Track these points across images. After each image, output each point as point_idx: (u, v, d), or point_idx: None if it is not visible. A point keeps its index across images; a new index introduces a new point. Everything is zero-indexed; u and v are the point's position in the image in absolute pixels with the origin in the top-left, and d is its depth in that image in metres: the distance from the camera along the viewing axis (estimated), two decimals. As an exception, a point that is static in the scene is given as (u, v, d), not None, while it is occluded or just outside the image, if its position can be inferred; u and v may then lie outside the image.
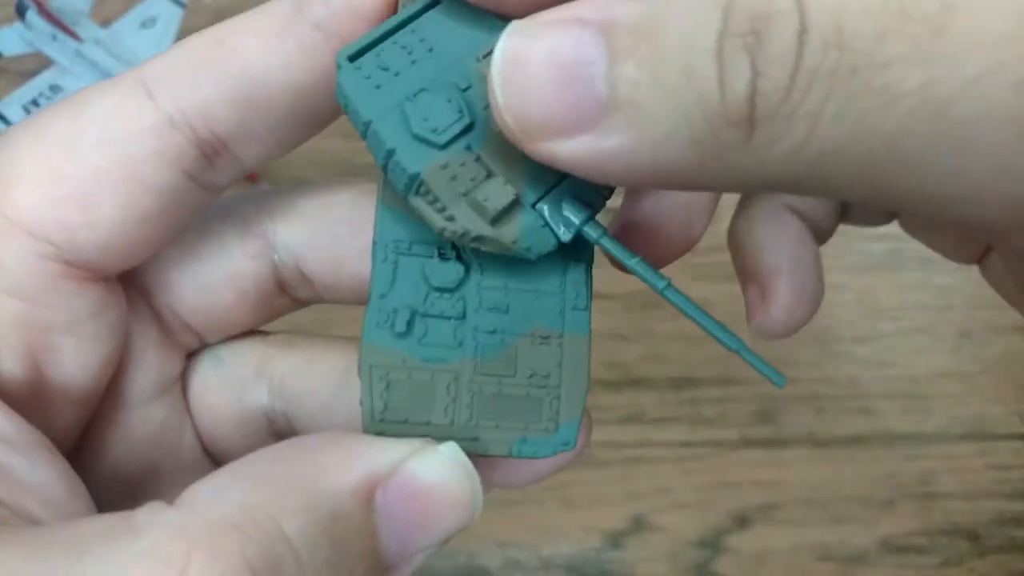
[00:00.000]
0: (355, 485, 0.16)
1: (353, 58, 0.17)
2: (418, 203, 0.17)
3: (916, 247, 0.56)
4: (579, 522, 0.48)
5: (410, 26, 0.18)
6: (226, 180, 0.20)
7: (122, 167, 0.18)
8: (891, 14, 0.13)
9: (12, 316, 0.19)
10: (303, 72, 0.19)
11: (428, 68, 0.17)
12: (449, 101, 0.17)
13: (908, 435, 0.51)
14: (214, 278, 0.22)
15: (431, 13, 0.18)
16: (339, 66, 0.17)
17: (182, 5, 0.57)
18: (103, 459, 0.22)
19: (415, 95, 0.17)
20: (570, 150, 0.15)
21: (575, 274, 0.19)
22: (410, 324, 0.18)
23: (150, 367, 0.22)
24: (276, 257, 0.22)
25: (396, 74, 0.17)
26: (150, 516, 0.15)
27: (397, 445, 0.17)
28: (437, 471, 0.17)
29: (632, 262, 0.18)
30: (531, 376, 0.18)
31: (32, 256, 0.19)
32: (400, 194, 0.17)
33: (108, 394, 0.22)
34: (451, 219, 0.17)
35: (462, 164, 0.17)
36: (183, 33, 0.57)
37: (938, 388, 0.52)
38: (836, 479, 0.50)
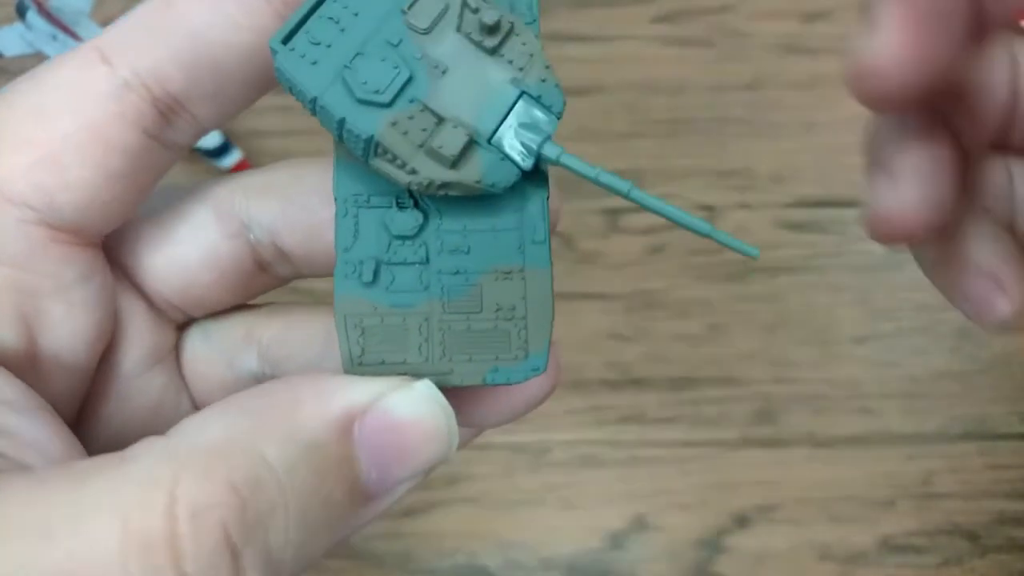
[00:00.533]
0: (333, 417, 0.17)
1: (285, 40, 0.18)
2: (379, 164, 0.18)
3: (916, 247, 0.56)
4: (579, 522, 0.48)
5: None
6: (187, 138, 0.21)
7: (87, 130, 0.19)
8: None
9: (3, 282, 0.20)
10: (247, 33, 0.20)
11: (358, 32, 0.18)
12: (383, 60, 0.18)
13: (908, 435, 0.51)
14: (191, 260, 0.23)
15: None
16: (274, 51, 0.18)
17: (182, 5, 0.57)
18: (102, 431, 0.23)
19: (351, 61, 0.17)
20: None
21: (531, 209, 0.19)
22: (376, 273, 0.19)
23: (142, 339, 0.23)
24: (252, 236, 0.23)
25: (328, 46, 0.18)
26: (142, 448, 0.16)
27: (374, 383, 0.18)
28: (412, 405, 0.18)
29: (594, 173, 0.19)
30: (497, 310, 0.19)
31: (15, 222, 0.19)
32: (360, 158, 0.18)
33: (103, 366, 0.23)
34: (413, 172, 0.17)
35: (410, 117, 0.17)
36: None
37: (938, 388, 0.52)
38: (836, 479, 0.50)
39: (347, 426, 0.17)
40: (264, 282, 0.24)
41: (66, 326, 0.21)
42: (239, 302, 0.25)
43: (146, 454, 0.16)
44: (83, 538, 0.15)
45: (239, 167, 0.53)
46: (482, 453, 0.49)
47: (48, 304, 0.20)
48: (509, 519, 0.47)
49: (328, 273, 0.23)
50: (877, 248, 0.55)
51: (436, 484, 0.48)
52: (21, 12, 0.55)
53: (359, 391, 0.18)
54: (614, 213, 0.53)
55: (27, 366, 0.20)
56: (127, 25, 0.20)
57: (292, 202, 0.23)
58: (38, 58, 0.55)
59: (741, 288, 0.53)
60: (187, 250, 0.23)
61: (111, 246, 0.22)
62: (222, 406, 0.17)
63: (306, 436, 0.17)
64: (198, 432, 0.16)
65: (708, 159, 0.57)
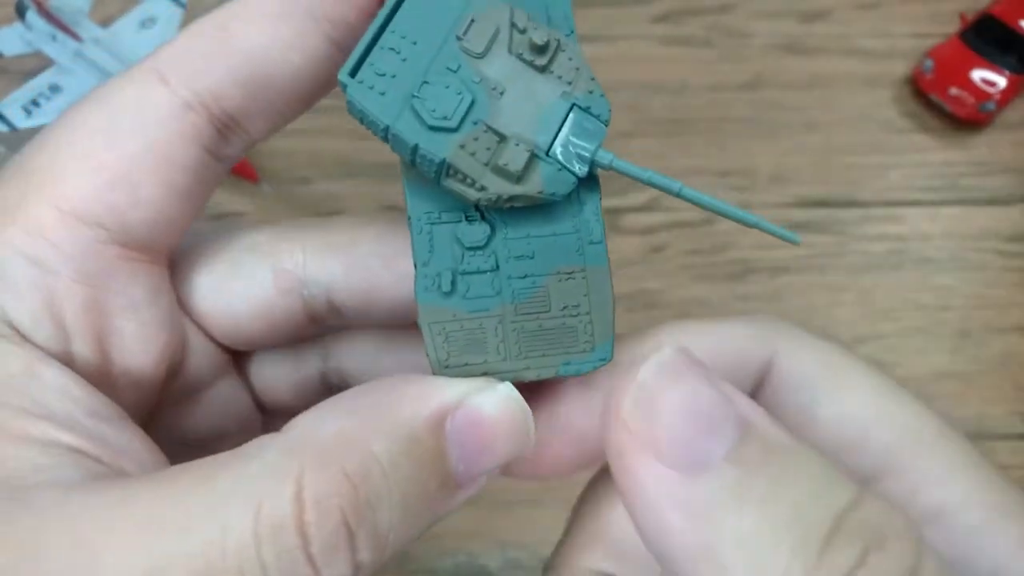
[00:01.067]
0: (429, 414, 0.19)
1: (353, 73, 0.19)
2: (451, 184, 0.19)
3: (916, 247, 0.56)
4: (579, 522, 0.48)
5: (390, 27, 0.19)
6: (239, 152, 0.22)
7: (154, 150, 0.21)
8: None
9: (82, 301, 0.21)
10: (299, 53, 0.21)
11: (419, 61, 0.19)
12: (447, 87, 0.19)
13: (908, 435, 0.51)
14: (243, 312, 0.24)
15: (404, 7, 0.19)
16: (344, 85, 0.19)
17: (182, 5, 0.57)
18: (171, 436, 0.24)
19: (419, 90, 0.19)
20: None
21: (587, 213, 0.21)
22: (453, 283, 0.20)
23: (206, 356, 0.24)
24: (306, 292, 0.24)
25: (393, 76, 0.19)
26: (258, 445, 0.18)
27: (462, 383, 0.19)
28: (495, 404, 0.19)
29: (646, 175, 0.20)
30: (563, 308, 0.20)
31: (90, 243, 0.21)
32: (431, 179, 0.19)
33: (170, 379, 0.24)
34: (483, 189, 0.19)
35: (476, 139, 0.19)
36: (183, 33, 0.57)
37: (938, 388, 0.52)
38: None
39: (440, 422, 0.19)
40: (314, 331, 0.25)
41: (137, 343, 0.22)
42: (288, 344, 0.26)
43: (267, 450, 0.17)
44: (219, 525, 0.16)
45: (240, 167, 0.53)
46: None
47: (121, 322, 0.21)
48: (509, 519, 0.47)
49: (381, 326, 0.25)
50: (877, 248, 0.55)
51: (436, 484, 0.48)
52: (21, 12, 0.55)
53: (450, 391, 0.19)
54: (614, 213, 0.53)
55: (102, 381, 0.21)
56: (182, 46, 0.21)
57: (353, 263, 0.24)
58: (38, 58, 0.55)
59: (741, 288, 0.53)
60: (240, 305, 0.24)
61: (173, 281, 0.23)
62: (331, 404, 0.19)
63: (406, 431, 0.18)
64: (313, 429, 0.18)
65: (708, 159, 0.57)
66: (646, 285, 0.53)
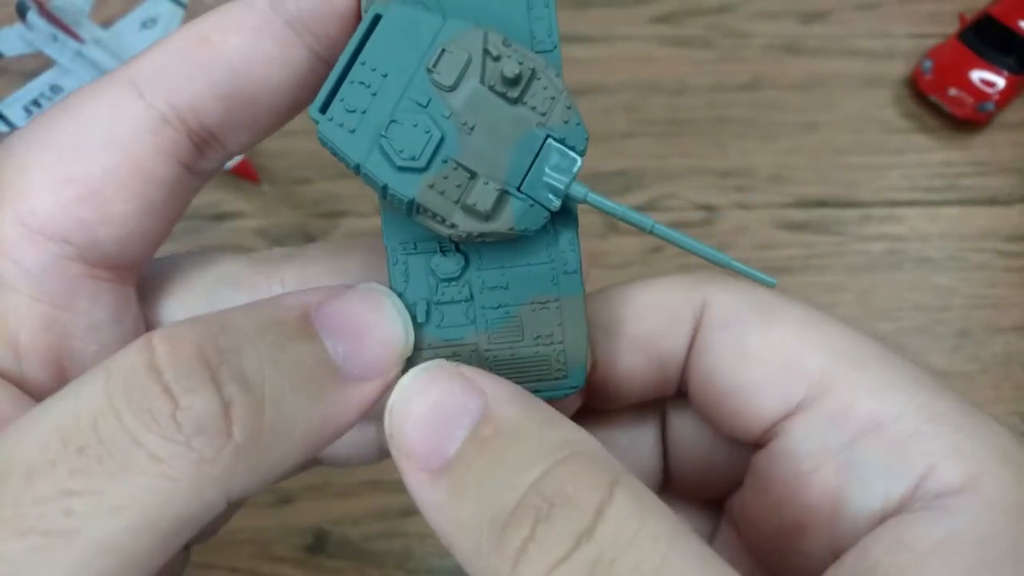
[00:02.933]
0: (288, 304, 0.18)
1: (323, 108, 0.19)
2: (421, 220, 0.19)
3: (916, 247, 0.56)
4: (579, 522, 0.48)
5: (360, 57, 0.19)
6: (216, 165, 0.22)
7: (127, 165, 0.20)
8: None
9: (39, 320, 0.20)
10: (280, 67, 0.20)
11: (388, 95, 0.19)
12: (415, 125, 0.19)
13: (907, 435, 0.51)
14: None
15: (373, 37, 0.19)
16: (315, 120, 0.19)
17: (183, 5, 0.57)
18: None
19: (387, 130, 0.18)
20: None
21: (562, 243, 0.21)
22: (428, 313, 0.20)
23: None
24: None
25: (363, 112, 0.19)
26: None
27: (321, 288, 0.19)
28: (356, 293, 0.19)
29: (619, 210, 0.20)
30: (537, 337, 0.20)
31: (54, 259, 0.20)
32: (403, 214, 0.19)
33: None
34: (453, 226, 0.19)
35: (445, 177, 0.19)
36: (183, 33, 0.57)
37: (937, 388, 0.52)
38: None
39: (303, 310, 0.18)
40: None
41: None
42: None
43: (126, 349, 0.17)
44: (72, 394, 0.16)
45: (240, 167, 0.53)
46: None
47: (81, 345, 0.20)
48: (509, 519, 0.47)
49: None
50: (877, 248, 0.55)
51: (436, 484, 0.48)
52: (21, 12, 0.55)
53: (311, 292, 0.19)
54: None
55: None
56: (159, 57, 0.20)
57: (321, 266, 0.23)
58: (38, 58, 0.55)
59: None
60: None
61: (140, 306, 0.22)
62: None
63: (266, 312, 0.18)
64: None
65: (708, 159, 0.57)
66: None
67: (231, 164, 0.53)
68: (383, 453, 0.26)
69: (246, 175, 0.53)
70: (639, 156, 0.56)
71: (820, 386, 0.21)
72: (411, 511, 0.48)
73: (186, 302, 0.23)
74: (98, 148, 0.20)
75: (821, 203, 0.56)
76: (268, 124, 0.21)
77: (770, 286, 0.20)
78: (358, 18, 0.20)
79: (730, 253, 0.20)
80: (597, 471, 0.17)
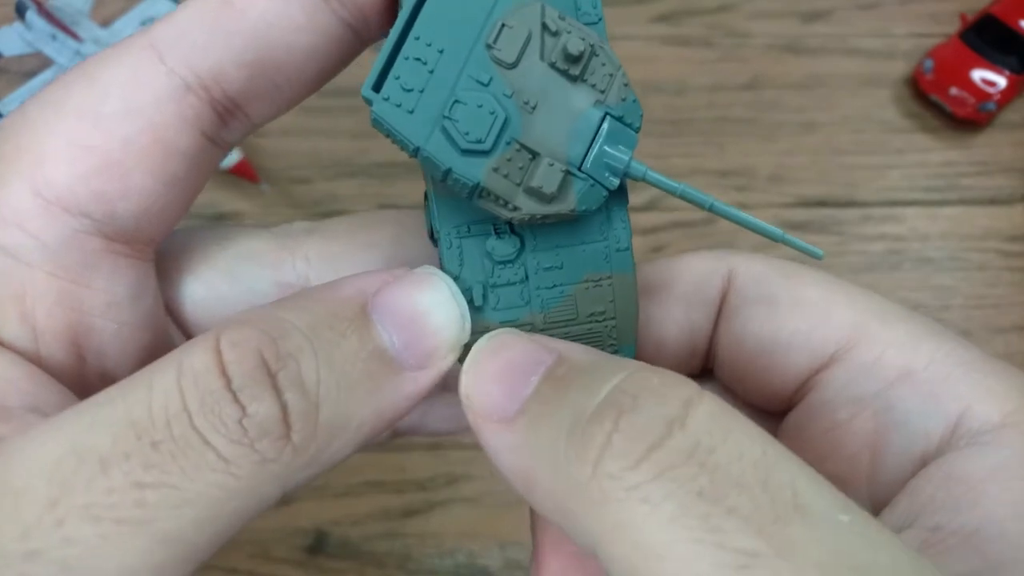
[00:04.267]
0: (344, 295, 0.18)
1: (376, 87, 0.18)
2: (482, 203, 0.19)
3: (916, 247, 0.56)
4: (579, 522, 0.48)
5: (412, 31, 0.18)
6: (238, 137, 0.21)
7: (147, 134, 0.19)
8: None
9: (56, 296, 0.19)
10: (307, 34, 0.19)
11: (447, 72, 0.18)
12: (480, 106, 0.18)
13: (908, 435, 0.51)
14: None
15: (425, 10, 0.18)
16: (369, 101, 0.18)
17: (182, 5, 0.57)
18: None
19: (450, 111, 0.18)
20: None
21: (614, 220, 0.20)
22: (485, 296, 0.20)
23: None
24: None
25: (421, 91, 0.18)
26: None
27: (382, 273, 0.19)
28: (413, 281, 0.19)
29: (679, 188, 0.20)
30: (590, 315, 0.20)
31: (71, 232, 0.19)
32: (462, 197, 0.19)
33: None
34: (516, 209, 0.19)
35: (509, 159, 0.18)
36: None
37: (938, 388, 0.52)
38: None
39: (360, 300, 0.18)
40: None
41: (116, 344, 0.20)
42: None
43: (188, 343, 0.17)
44: (143, 387, 0.16)
45: (239, 167, 0.53)
46: (482, 453, 0.49)
47: (100, 321, 0.20)
48: (509, 519, 0.47)
49: None
50: (877, 248, 0.55)
51: (436, 484, 0.48)
52: (21, 12, 0.55)
53: (368, 280, 0.19)
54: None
55: (75, 382, 0.20)
56: (182, 22, 0.19)
57: (350, 258, 0.23)
58: (38, 58, 0.55)
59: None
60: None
61: (159, 282, 0.22)
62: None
63: (322, 307, 0.18)
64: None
65: (708, 159, 0.57)
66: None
67: (230, 164, 0.53)
68: (395, 432, 0.26)
69: (246, 175, 0.53)
70: (639, 156, 0.56)
71: (850, 339, 0.21)
72: (411, 511, 0.48)
73: (207, 279, 0.22)
74: (118, 116, 0.19)
75: (821, 203, 0.56)
76: (292, 94, 0.20)
77: (818, 257, 0.20)
78: None
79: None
80: (678, 377, 0.16)
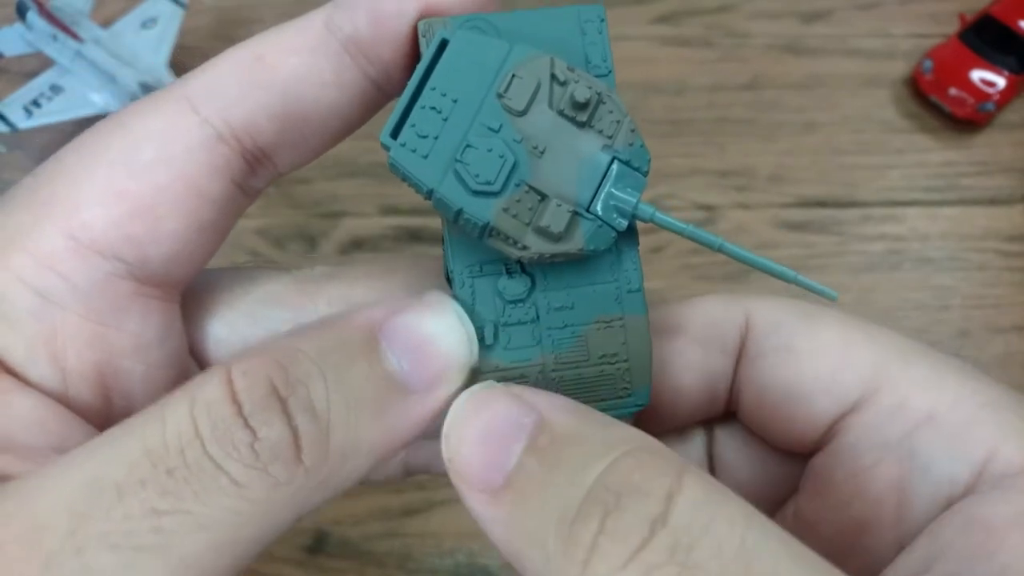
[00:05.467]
0: (355, 324, 0.19)
1: (394, 134, 0.19)
2: (492, 242, 0.19)
3: (916, 247, 0.56)
4: (579, 522, 0.48)
5: (429, 83, 0.19)
6: (265, 184, 0.22)
7: (180, 181, 0.20)
8: None
9: (87, 338, 0.20)
10: (334, 89, 0.20)
11: (460, 120, 0.19)
12: (490, 150, 0.19)
13: (907, 435, 0.51)
14: None
15: (441, 63, 0.19)
16: (387, 147, 0.19)
17: (182, 5, 0.57)
18: None
19: (462, 155, 0.19)
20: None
21: (625, 262, 0.21)
22: (496, 335, 0.20)
23: None
24: None
25: (436, 138, 0.19)
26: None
27: (388, 302, 0.19)
28: (423, 307, 0.19)
29: (688, 229, 0.20)
30: (602, 357, 0.21)
31: (104, 275, 0.20)
32: (473, 236, 0.19)
33: None
34: (524, 248, 0.19)
35: (518, 200, 0.19)
36: (183, 33, 0.57)
37: (937, 388, 0.52)
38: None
39: (369, 327, 0.19)
40: None
41: (142, 386, 0.21)
42: None
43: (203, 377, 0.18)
44: (157, 420, 0.17)
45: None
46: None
47: (127, 364, 0.20)
48: (509, 519, 0.47)
49: None
50: (877, 248, 0.55)
51: (436, 484, 0.48)
52: (21, 12, 0.55)
53: (377, 308, 0.19)
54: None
55: (102, 423, 0.20)
56: (216, 75, 0.20)
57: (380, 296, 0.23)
58: (38, 58, 0.55)
59: (741, 288, 0.53)
60: None
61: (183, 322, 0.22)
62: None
63: (333, 334, 0.19)
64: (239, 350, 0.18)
65: (708, 159, 0.57)
66: (646, 285, 0.53)
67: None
68: (407, 471, 0.26)
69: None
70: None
71: (873, 383, 0.21)
72: (411, 511, 0.48)
73: (230, 321, 0.23)
74: (151, 164, 0.19)
75: (821, 203, 0.56)
76: (318, 145, 0.21)
77: (832, 299, 0.20)
78: (414, 43, 0.20)
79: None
80: (662, 461, 0.17)
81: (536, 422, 0.18)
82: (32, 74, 0.55)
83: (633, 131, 0.20)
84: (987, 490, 0.19)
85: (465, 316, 0.20)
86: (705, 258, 0.54)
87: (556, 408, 0.18)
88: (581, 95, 0.19)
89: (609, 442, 0.17)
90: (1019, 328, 0.53)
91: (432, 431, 0.25)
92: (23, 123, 0.53)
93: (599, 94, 0.19)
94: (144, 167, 0.19)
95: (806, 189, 0.57)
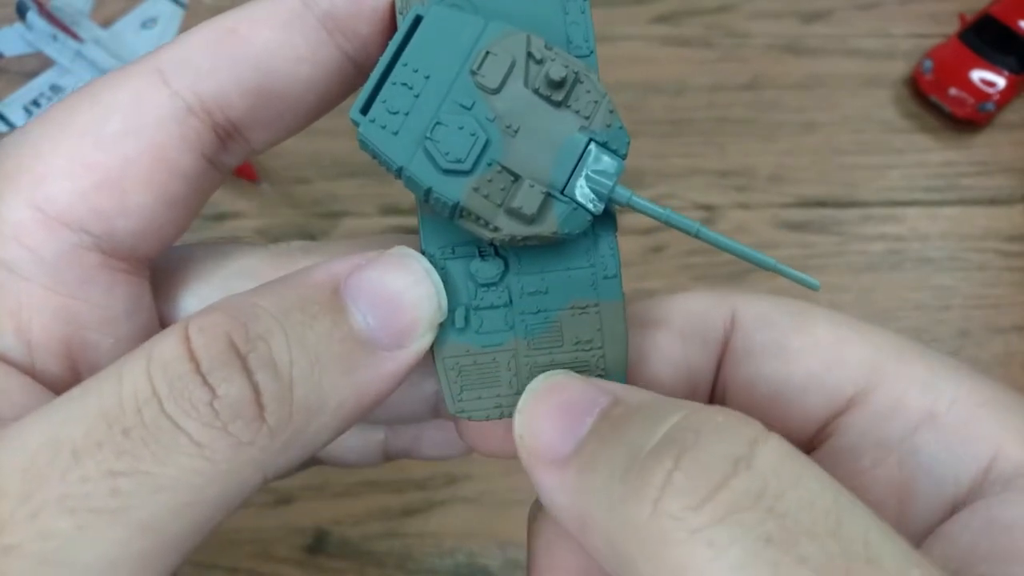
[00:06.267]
0: (316, 280, 0.18)
1: (364, 110, 0.18)
2: (463, 223, 0.19)
3: (916, 247, 0.56)
4: (579, 522, 0.48)
5: (401, 59, 0.19)
6: (237, 161, 0.21)
7: (149, 154, 0.19)
8: None
9: (53, 311, 0.19)
10: (309, 65, 0.20)
11: (431, 97, 0.19)
12: (461, 128, 0.18)
13: (907, 435, 0.51)
14: None
15: (415, 39, 0.19)
16: (356, 123, 0.18)
17: (182, 5, 0.57)
18: None
19: (432, 131, 0.18)
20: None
21: (602, 247, 0.20)
22: (467, 319, 0.20)
23: None
24: None
25: (406, 114, 0.18)
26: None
27: (351, 258, 0.19)
28: (387, 261, 0.19)
29: (664, 214, 0.20)
30: (576, 343, 0.20)
31: (70, 247, 0.19)
32: (445, 217, 0.19)
33: None
34: (496, 229, 0.19)
35: (490, 180, 0.19)
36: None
37: (937, 388, 0.52)
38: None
39: (332, 284, 0.18)
40: None
41: (110, 360, 0.20)
42: None
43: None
44: (114, 378, 0.16)
45: (241, 168, 0.53)
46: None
47: (95, 337, 0.20)
48: (509, 519, 0.47)
49: None
50: (877, 248, 0.55)
51: (436, 484, 0.48)
52: (21, 12, 0.55)
53: (340, 263, 0.19)
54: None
55: None
56: (187, 46, 0.20)
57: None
58: (38, 58, 0.55)
59: (741, 288, 0.53)
60: None
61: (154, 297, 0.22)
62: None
63: (293, 291, 0.18)
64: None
65: (708, 159, 0.57)
66: (646, 285, 0.53)
67: (231, 164, 0.53)
68: (387, 456, 0.26)
69: (245, 175, 0.53)
70: (639, 156, 0.56)
71: (868, 381, 0.20)
72: (411, 511, 0.48)
73: (204, 296, 0.22)
74: (119, 135, 0.19)
75: (821, 203, 0.56)
76: (293, 123, 0.21)
77: (814, 289, 0.20)
78: (392, 19, 0.20)
79: (730, 253, 0.20)
80: (743, 416, 0.16)
81: (611, 400, 0.18)
82: (32, 74, 0.55)
83: (612, 112, 0.19)
84: (999, 491, 0.18)
85: (432, 270, 0.19)
86: (705, 258, 0.54)
87: (632, 390, 0.18)
88: (556, 73, 0.18)
89: (685, 404, 0.17)
90: (1019, 328, 0.53)
91: (410, 416, 0.25)
92: (23, 123, 0.53)
93: (576, 73, 0.19)
94: (112, 138, 0.19)
95: (806, 189, 0.57)
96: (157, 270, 0.22)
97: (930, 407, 0.20)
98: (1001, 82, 0.57)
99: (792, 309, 0.22)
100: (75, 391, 0.17)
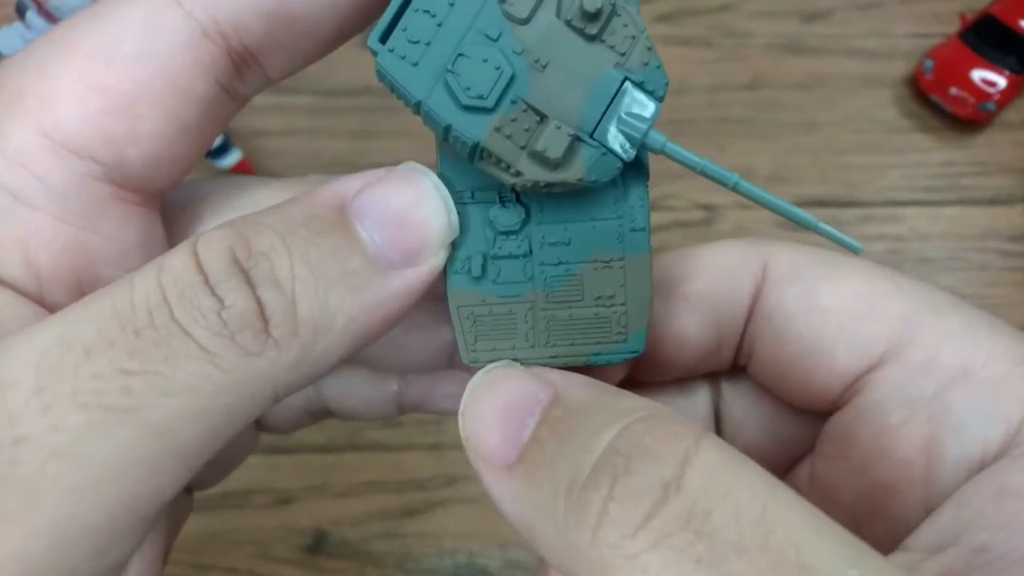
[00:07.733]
0: (322, 198, 0.18)
1: (383, 39, 0.17)
2: (483, 166, 0.18)
3: (916, 247, 0.56)
4: (579, 522, 0.48)
5: None
6: (253, 90, 0.20)
7: (162, 78, 0.18)
8: None
9: (63, 242, 0.18)
10: None
11: (455, 26, 0.17)
12: (485, 61, 0.17)
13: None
14: None
15: None
16: (374, 52, 0.17)
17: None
18: None
19: (453, 64, 0.17)
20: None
21: (631, 198, 0.19)
22: (484, 268, 0.19)
23: None
24: None
25: (427, 44, 0.17)
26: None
27: (359, 176, 0.19)
28: (397, 177, 0.19)
29: (701, 163, 0.18)
30: (597, 298, 0.19)
31: (79, 177, 0.18)
32: (465, 157, 0.18)
33: None
34: (518, 174, 0.17)
35: (514, 119, 0.17)
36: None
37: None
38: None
39: (337, 202, 0.18)
40: None
41: None
42: None
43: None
44: (126, 286, 0.16)
45: (239, 167, 0.53)
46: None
47: (108, 271, 0.19)
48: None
49: None
50: (877, 248, 0.55)
51: (436, 484, 0.48)
52: (21, 12, 0.55)
53: (347, 182, 0.18)
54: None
55: None
56: None
57: None
58: (38, 58, 0.55)
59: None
60: None
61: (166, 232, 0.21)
62: None
63: (299, 209, 0.18)
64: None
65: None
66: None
67: (230, 164, 0.53)
68: (400, 408, 0.25)
69: (245, 174, 0.53)
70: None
71: (902, 336, 0.20)
72: (411, 511, 0.48)
73: None
74: (131, 58, 0.18)
75: (821, 203, 0.56)
76: (311, 49, 0.20)
77: (855, 251, 0.19)
78: None
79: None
80: (677, 426, 0.16)
81: (552, 397, 0.17)
82: (32, 74, 0.55)
83: (649, 49, 0.18)
84: (1019, 455, 0.18)
85: (442, 185, 0.19)
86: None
87: (573, 384, 0.18)
88: (592, 4, 0.17)
89: (622, 410, 0.16)
90: (1019, 328, 0.53)
91: (426, 363, 0.24)
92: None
93: (613, 4, 0.17)
94: (123, 60, 0.18)
95: (806, 189, 0.57)
96: (169, 204, 0.21)
97: (965, 363, 0.19)
98: (1002, 82, 0.57)
99: (824, 260, 0.21)
100: (86, 298, 0.17)
